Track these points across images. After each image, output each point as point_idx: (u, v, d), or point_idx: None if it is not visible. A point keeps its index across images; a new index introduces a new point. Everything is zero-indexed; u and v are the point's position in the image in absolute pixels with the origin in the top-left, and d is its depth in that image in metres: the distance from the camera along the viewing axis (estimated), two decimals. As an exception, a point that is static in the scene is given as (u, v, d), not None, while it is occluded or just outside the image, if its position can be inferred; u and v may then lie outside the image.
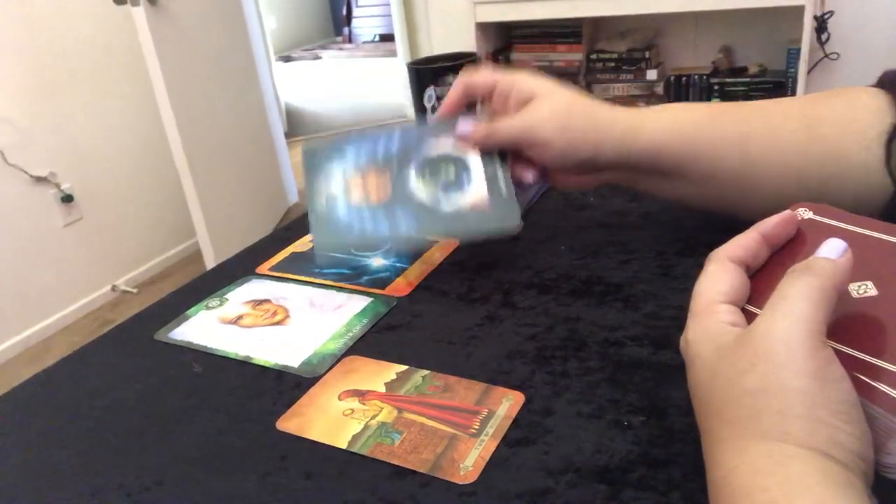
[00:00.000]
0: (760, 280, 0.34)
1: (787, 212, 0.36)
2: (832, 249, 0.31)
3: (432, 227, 0.54)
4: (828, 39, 2.27)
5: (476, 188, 0.54)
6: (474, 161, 0.55)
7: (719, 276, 0.34)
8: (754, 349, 0.29)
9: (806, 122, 0.51)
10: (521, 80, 0.56)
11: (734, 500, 0.27)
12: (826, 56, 2.31)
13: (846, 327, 0.30)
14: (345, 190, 0.52)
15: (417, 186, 0.53)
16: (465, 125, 0.56)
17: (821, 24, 2.23)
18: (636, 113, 0.55)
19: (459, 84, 0.57)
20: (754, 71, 2.40)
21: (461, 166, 0.54)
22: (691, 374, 0.33)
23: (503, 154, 0.56)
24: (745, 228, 0.36)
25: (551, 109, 0.53)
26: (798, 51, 2.14)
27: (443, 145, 0.55)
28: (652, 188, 0.57)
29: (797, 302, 0.29)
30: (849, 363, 0.29)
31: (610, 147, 0.53)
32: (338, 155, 0.55)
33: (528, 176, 0.56)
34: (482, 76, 0.57)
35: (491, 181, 0.54)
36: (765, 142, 0.51)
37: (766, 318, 0.29)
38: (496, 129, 0.55)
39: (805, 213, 0.36)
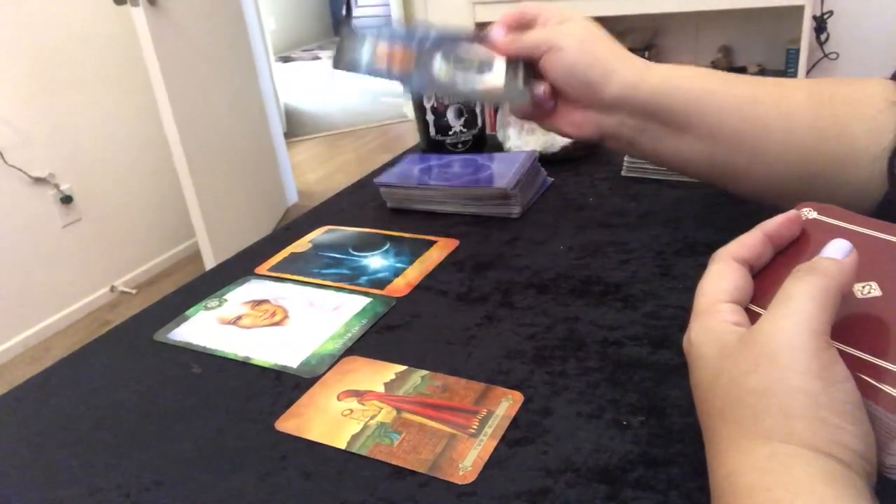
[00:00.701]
0: (764, 280, 0.34)
1: (792, 212, 0.36)
2: (837, 250, 0.31)
3: (441, 87, 0.57)
4: (827, 39, 2.27)
5: (494, 77, 0.57)
6: (498, 62, 0.58)
7: (723, 276, 0.34)
8: (758, 349, 0.29)
9: (816, 97, 0.51)
10: (556, 8, 0.58)
11: (736, 499, 0.27)
12: (825, 56, 2.31)
13: (850, 328, 0.30)
14: (372, 52, 0.56)
15: (439, 68, 0.56)
16: (498, 31, 0.58)
17: (820, 24, 2.23)
18: (650, 62, 0.56)
19: (515, 13, 0.60)
20: (753, 71, 2.40)
21: (485, 62, 0.57)
22: (694, 373, 0.33)
23: (527, 65, 0.58)
24: (748, 228, 0.36)
25: (575, 25, 0.56)
26: (797, 51, 2.14)
27: (474, 48, 0.59)
28: (655, 144, 0.55)
29: (801, 302, 0.29)
30: (852, 364, 0.29)
31: (620, 78, 0.53)
32: (374, 30, 0.58)
33: (540, 86, 0.56)
34: (528, 7, 0.59)
35: (510, 76, 0.57)
36: (773, 108, 0.51)
37: (769, 317, 0.29)
38: (521, 38, 0.57)
39: (810, 213, 0.36)
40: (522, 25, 0.59)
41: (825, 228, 0.35)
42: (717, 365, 0.31)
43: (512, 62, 0.57)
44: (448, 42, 0.58)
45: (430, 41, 0.58)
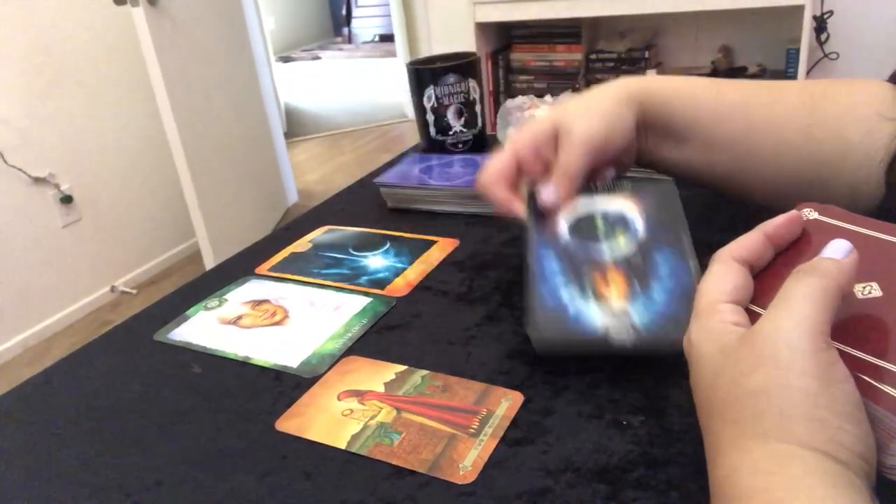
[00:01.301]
0: (765, 280, 0.34)
1: (793, 212, 0.36)
2: (837, 250, 0.31)
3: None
4: (827, 39, 2.27)
5: (624, 207, 0.52)
6: (584, 203, 0.52)
7: (723, 276, 0.34)
8: (758, 349, 0.29)
9: (810, 100, 0.51)
10: (532, 131, 0.54)
11: (736, 500, 0.27)
12: (825, 56, 2.31)
13: (850, 328, 0.30)
14: (594, 285, 0.46)
15: (610, 249, 0.48)
16: (545, 192, 0.52)
17: (820, 24, 2.23)
18: (640, 78, 0.56)
19: (492, 187, 0.53)
20: (754, 71, 2.40)
21: (591, 217, 0.51)
22: (694, 373, 0.33)
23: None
24: (748, 228, 0.36)
25: (582, 115, 0.53)
26: (797, 51, 2.14)
27: (561, 219, 0.51)
28: (665, 155, 0.57)
29: (801, 302, 0.29)
30: (853, 364, 0.29)
31: (645, 103, 0.54)
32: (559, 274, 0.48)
33: (609, 172, 0.55)
34: (498, 168, 0.54)
35: (610, 190, 0.53)
36: (765, 112, 0.52)
37: (769, 318, 0.29)
38: (566, 170, 0.52)
39: (810, 214, 0.36)
40: (530, 165, 0.54)
41: (825, 229, 0.35)
42: (716, 365, 0.31)
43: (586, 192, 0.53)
44: (572, 248, 0.50)
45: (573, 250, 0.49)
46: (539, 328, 0.44)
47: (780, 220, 0.35)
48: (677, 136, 0.55)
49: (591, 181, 0.55)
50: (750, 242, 0.35)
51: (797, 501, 0.25)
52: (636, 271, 0.46)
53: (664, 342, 0.41)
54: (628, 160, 0.57)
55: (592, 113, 0.53)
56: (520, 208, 0.52)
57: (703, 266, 0.35)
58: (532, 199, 0.53)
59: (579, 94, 0.56)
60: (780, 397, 0.27)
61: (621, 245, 0.48)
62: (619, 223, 0.50)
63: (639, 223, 0.50)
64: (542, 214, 0.52)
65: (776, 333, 0.28)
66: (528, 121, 0.84)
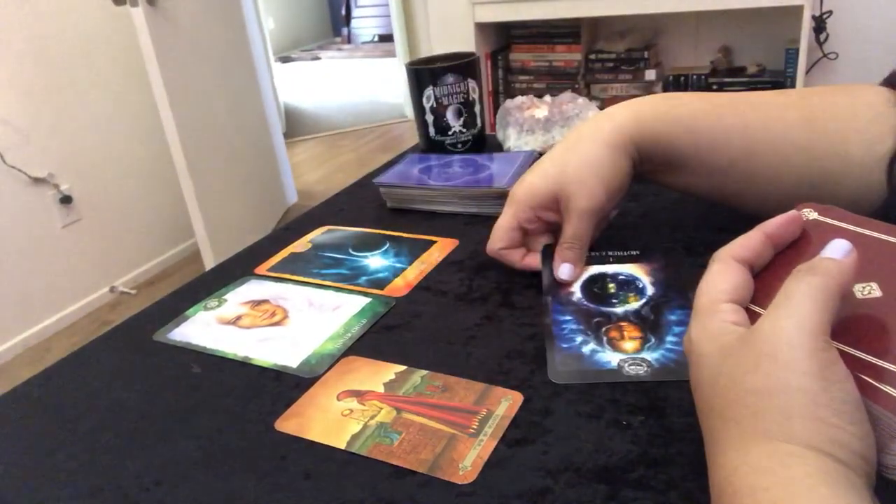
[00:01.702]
0: (764, 280, 0.34)
1: (792, 212, 0.36)
2: (837, 250, 0.31)
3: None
4: (826, 39, 2.27)
5: (634, 271, 0.54)
6: (595, 270, 0.55)
7: (723, 276, 0.34)
8: (758, 349, 0.29)
9: (808, 115, 0.51)
10: (532, 197, 0.55)
11: (736, 499, 0.27)
12: (825, 56, 2.31)
13: (850, 328, 0.30)
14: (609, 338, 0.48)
15: (622, 308, 0.51)
16: (561, 271, 0.54)
17: (819, 24, 2.23)
18: (633, 113, 0.55)
19: (503, 254, 0.57)
20: (753, 71, 2.40)
21: (603, 279, 0.54)
22: (694, 373, 0.33)
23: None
24: (748, 228, 0.36)
25: (584, 183, 0.53)
26: (797, 51, 2.14)
27: (576, 288, 0.54)
28: (664, 180, 0.57)
29: (801, 302, 0.29)
30: (852, 364, 0.29)
31: (630, 155, 0.55)
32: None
33: (613, 212, 0.58)
34: (504, 237, 0.56)
35: (620, 259, 0.56)
36: (764, 133, 0.52)
37: (770, 317, 0.29)
38: (574, 238, 0.54)
39: (810, 214, 0.36)
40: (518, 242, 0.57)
41: (825, 229, 0.35)
42: (717, 364, 0.31)
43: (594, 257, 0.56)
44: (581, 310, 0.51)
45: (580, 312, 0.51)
46: (556, 366, 0.45)
47: (779, 219, 0.35)
48: (675, 165, 0.55)
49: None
50: (750, 242, 0.35)
51: (798, 501, 0.25)
52: (647, 323, 0.48)
53: (678, 373, 0.43)
54: (624, 197, 0.57)
55: (590, 177, 0.53)
56: (537, 262, 0.56)
57: (706, 266, 0.35)
58: (546, 254, 0.56)
59: (572, 135, 0.56)
60: (780, 397, 0.27)
61: (631, 303, 0.51)
62: (628, 284, 0.53)
63: (647, 284, 0.53)
64: (554, 284, 0.55)
65: (776, 333, 0.28)
66: (529, 121, 0.84)
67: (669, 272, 0.54)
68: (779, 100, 0.53)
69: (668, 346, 0.46)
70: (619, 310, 0.50)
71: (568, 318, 0.50)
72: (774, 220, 0.35)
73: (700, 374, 0.32)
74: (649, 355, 0.45)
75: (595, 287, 0.53)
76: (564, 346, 0.47)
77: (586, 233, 0.54)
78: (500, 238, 0.56)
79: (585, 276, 0.55)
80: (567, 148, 0.55)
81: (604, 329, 0.48)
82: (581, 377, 0.44)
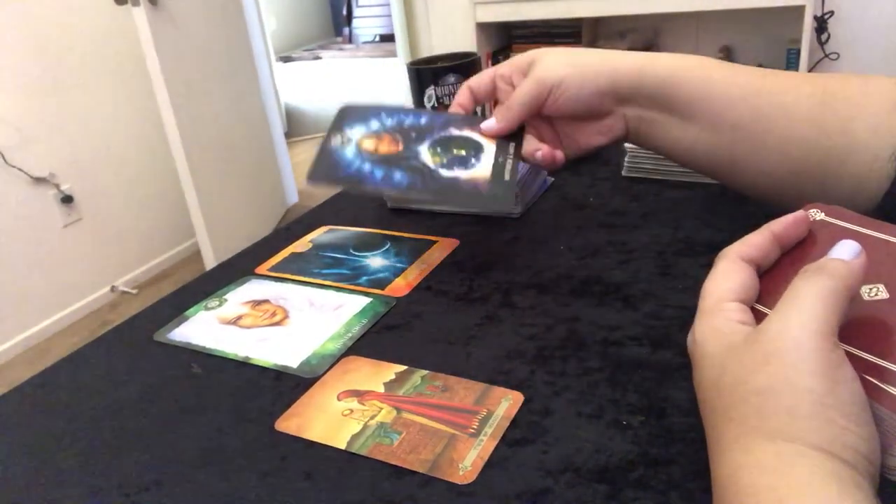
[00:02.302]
0: (770, 280, 0.34)
1: (800, 212, 0.36)
2: (846, 251, 0.31)
3: (425, 186, 0.54)
4: (828, 39, 2.27)
5: (481, 168, 0.55)
6: (488, 148, 0.56)
7: (729, 274, 0.33)
8: (764, 348, 0.29)
9: (820, 91, 0.51)
10: (516, 58, 0.58)
11: (740, 498, 0.27)
12: (826, 56, 2.30)
13: (856, 329, 0.30)
14: (358, 141, 0.54)
15: (425, 155, 0.54)
16: (485, 123, 0.58)
17: (821, 25, 2.23)
18: (648, 53, 0.56)
19: (463, 89, 0.60)
20: (754, 71, 2.40)
21: (474, 149, 0.56)
22: (698, 372, 0.32)
23: (518, 140, 0.58)
24: (748, 228, 0.36)
25: (555, 57, 0.56)
26: (798, 51, 2.14)
27: (464, 132, 0.57)
28: (664, 134, 0.56)
29: (809, 302, 0.29)
30: (858, 365, 0.28)
31: (625, 73, 0.55)
32: (365, 115, 0.58)
33: (538, 154, 0.57)
34: (480, 76, 0.59)
35: (497, 166, 0.55)
36: (776, 99, 0.51)
37: (777, 317, 0.29)
38: (511, 101, 0.56)
39: (817, 215, 0.36)
40: (487, 94, 0.60)
41: (832, 230, 0.35)
42: (722, 363, 0.31)
43: (503, 145, 0.57)
44: (437, 127, 0.57)
45: (420, 124, 0.57)
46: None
47: (787, 219, 0.35)
48: (683, 112, 0.54)
49: (563, 141, 0.59)
50: (756, 241, 0.35)
51: (802, 501, 0.25)
52: (407, 140, 0.54)
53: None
54: (610, 131, 0.58)
55: (565, 59, 0.55)
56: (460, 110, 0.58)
57: (706, 266, 0.35)
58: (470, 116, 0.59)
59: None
60: (786, 396, 0.27)
61: (436, 154, 0.55)
62: (467, 148, 0.56)
63: (476, 149, 0.56)
64: (468, 123, 0.58)
65: (784, 332, 0.28)
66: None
67: (481, 192, 0.54)
68: (794, 74, 0.53)
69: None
70: (422, 152, 0.55)
71: (377, 122, 0.57)
72: (781, 220, 0.35)
73: (704, 374, 0.32)
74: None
75: (453, 144, 0.56)
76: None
77: (523, 97, 0.55)
78: (474, 78, 0.59)
79: (462, 133, 0.57)
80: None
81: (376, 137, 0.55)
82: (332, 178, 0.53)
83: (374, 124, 0.57)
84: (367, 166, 0.54)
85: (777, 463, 0.27)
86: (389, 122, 0.57)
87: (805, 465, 0.26)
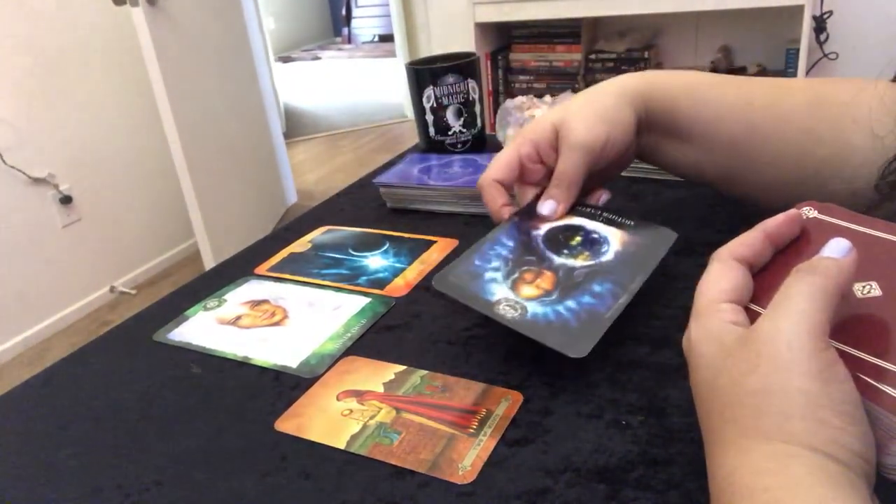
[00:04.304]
0: (764, 279, 0.34)
1: (792, 211, 0.36)
2: (837, 249, 0.31)
3: (622, 292, 0.47)
4: (827, 39, 2.27)
5: (610, 231, 0.52)
6: (578, 220, 0.53)
7: (722, 275, 0.33)
8: (757, 349, 0.29)
9: (813, 99, 0.51)
10: (530, 133, 0.55)
11: (736, 499, 0.27)
12: (825, 56, 2.31)
13: (850, 328, 0.30)
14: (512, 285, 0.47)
15: (566, 261, 0.48)
16: (544, 206, 0.53)
17: (820, 24, 2.23)
18: (643, 74, 0.56)
19: (491, 187, 0.54)
20: (753, 71, 2.40)
21: (580, 230, 0.52)
22: (694, 373, 0.33)
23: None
24: (746, 228, 0.36)
25: (580, 116, 0.53)
26: (797, 51, 2.14)
27: (545, 225, 0.52)
28: (664, 156, 0.57)
29: (801, 302, 0.29)
30: (852, 364, 0.28)
31: (640, 107, 0.54)
32: (474, 272, 0.48)
33: (603, 196, 0.56)
34: (502, 166, 0.54)
35: (610, 221, 0.53)
36: (768, 112, 0.52)
37: (769, 317, 0.29)
38: (563, 178, 0.53)
39: (810, 213, 0.36)
40: (514, 180, 0.55)
41: (825, 227, 0.35)
42: (716, 365, 0.31)
43: (577, 210, 0.53)
44: (528, 243, 0.50)
45: (520, 251, 0.49)
46: (447, 274, 0.45)
47: (779, 218, 0.35)
48: (680, 134, 0.55)
49: (594, 184, 0.55)
50: (749, 241, 0.35)
51: (797, 501, 0.25)
52: (567, 283, 0.47)
53: (540, 332, 0.42)
54: (628, 159, 0.57)
55: (592, 114, 0.53)
56: (507, 215, 0.53)
57: (706, 266, 0.35)
58: (525, 206, 0.54)
59: (582, 91, 0.57)
60: (780, 397, 0.27)
61: (577, 260, 0.49)
62: (593, 243, 0.51)
63: (609, 254, 0.50)
64: (532, 214, 0.53)
65: (776, 333, 0.28)
66: (530, 121, 0.84)
67: (643, 251, 0.50)
68: (785, 83, 0.53)
69: (561, 308, 0.44)
70: (559, 259, 0.48)
71: (509, 244, 0.49)
72: (774, 220, 0.35)
73: (699, 375, 0.32)
74: (533, 306, 0.43)
75: (562, 234, 0.51)
76: (476, 262, 0.47)
77: (576, 170, 0.52)
78: (497, 168, 0.54)
79: (565, 221, 0.52)
80: (575, 96, 0.56)
81: (523, 269, 0.47)
82: (456, 293, 0.44)
83: (500, 275, 0.48)
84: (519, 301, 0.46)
85: (772, 464, 0.27)
86: (497, 263, 0.48)
87: (800, 465, 0.26)
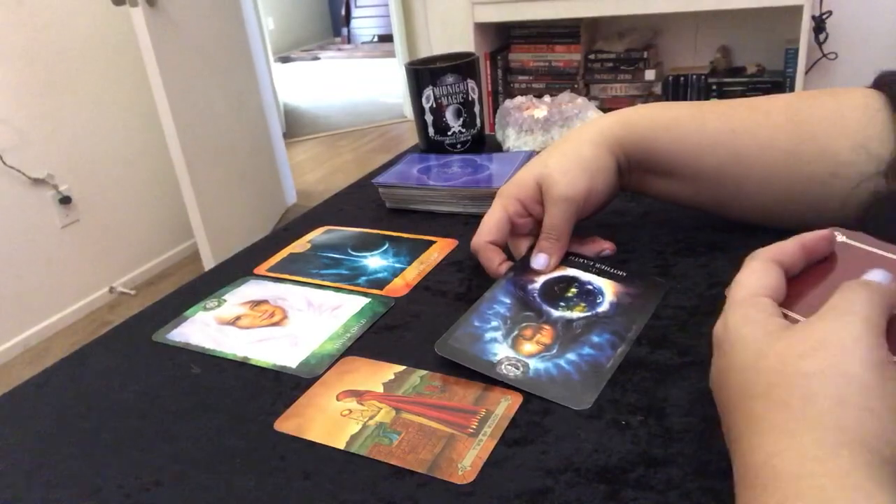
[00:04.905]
0: (793, 287, 0.36)
1: (828, 230, 0.37)
2: (880, 276, 0.33)
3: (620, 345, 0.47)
4: (826, 39, 2.27)
5: (602, 282, 0.53)
6: (572, 272, 0.54)
7: (763, 273, 0.34)
8: (817, 335, 0.29)
9: (794, 119, 0.51)
10: (513, 189, 0.56)
11: (778, 483, 0.26)
12: (824, 56, 2.31)
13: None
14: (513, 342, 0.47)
15: (563, 314, 0.49)
16: (536, 261, 0.54)
17: (819, 24, 2.23)
18: (619, 116, 0.56)
19: (487, 250, 0.55)
20: (752, 71, 2.40)
21: (574, 281, 0.53)
22: (727, 358, 0.33)
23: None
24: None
25: (560, 169, 0.53)
26: (796, 51, 2.14)
27: (539, 279, 0.53)
28: (648, 188, 0.58)
29: (862, 304, 0.30)
30: None
31: (618, 150, 0.55)
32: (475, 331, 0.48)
33: (606, 249, 0.56)
34: (493, 227, 0.55)
35: (601, 272, 0.54)
36: (751, 138, 0.52)
37: (831, 312, 0.30)
38: (551, 232, 0.54)
39: (839, 237, 0.38)
40: (506, 238, 0.56)
41: (854, 251, 0.37)
42: (761, 347, 0.31)
43: (569, 261, 0.55)
44: (523, 298, 0.51)
45: (517, 309, 0.50)
46: (448, 338, 0.47)
47: (816, 234, 0.37)
48: (661, 170, 0.55)
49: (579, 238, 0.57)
50: (787, 248, 0.36)
51: (843, 492, 0.25)
52: (566, 336, 0.47)
53: (543, 389, 0.43)
54: (610, 198, 0.57)
55: (573, 167, 0.53)
56: (504, 271, 0.54)
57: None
58: (520, 260, 0.56)
59: (558, 139, 0.57)
60: (837, 383, 0.27)
61: (574, 311, 0.50)
62: (588, 294, 0.52)
63: (605, 305, 0.50)
64: (526, 268, 0.54)
65: (840, 323, 0.29)
66: (529, 120, 0.84)
67: (637, 301, 0.50)
68: (765, 105, 0.53)
69: (562, 362, 0.45)
70: (556, 312, 0.49)
71: (507, 301, 0.50)
72: (811, 234, 0.37)
73: (736, 359, 0.32)
74: (534, 362, 0.45)
75: (557, 286, 0.52)
76: (476, 323, 0.48)
77: (564, 223, 0.53)
78: (488, 230, 0.55)
79: (559, 273, 0.54)
80: (553, 147, 0.56)
81: (522, 325, 0.48)
82: (458, 356, 0.45)
83: (501, 333, 0.48)
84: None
85: (819, 451, 0.26)
86: (496, 323, 0.49)
87: (848, 457, 0.26)
